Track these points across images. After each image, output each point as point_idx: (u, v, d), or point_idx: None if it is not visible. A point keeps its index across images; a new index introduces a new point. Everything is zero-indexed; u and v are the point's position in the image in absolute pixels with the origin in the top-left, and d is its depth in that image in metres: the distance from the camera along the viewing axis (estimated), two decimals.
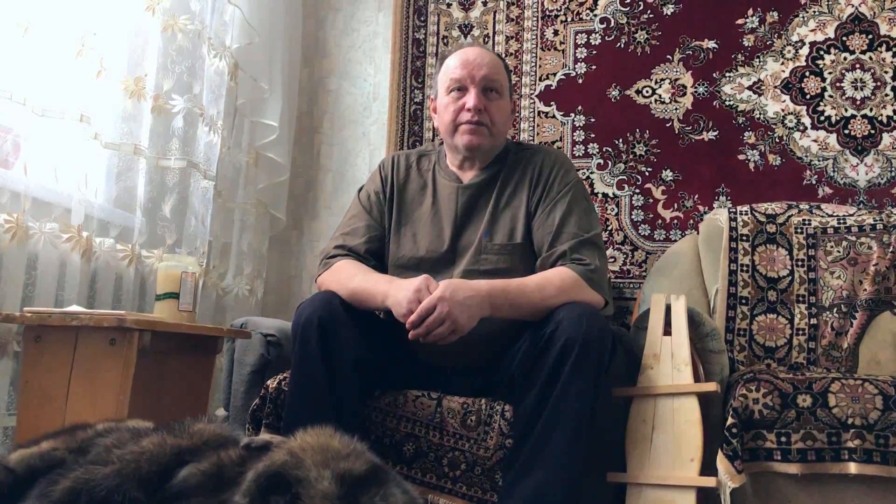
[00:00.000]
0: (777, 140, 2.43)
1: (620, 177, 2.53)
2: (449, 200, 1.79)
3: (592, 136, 2.58)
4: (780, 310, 2.08)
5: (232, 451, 1.05)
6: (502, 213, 1.76)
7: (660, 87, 2.54)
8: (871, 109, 2.36)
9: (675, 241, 2.39)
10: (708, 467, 1.55)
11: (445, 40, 2.76)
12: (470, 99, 1.74)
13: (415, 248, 1.76)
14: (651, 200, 2.50)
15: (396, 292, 1.55)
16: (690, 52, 2.53)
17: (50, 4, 1.77)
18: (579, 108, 2.60)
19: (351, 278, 1.67)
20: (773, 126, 2.44)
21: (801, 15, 2.46)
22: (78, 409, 1.52)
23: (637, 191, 2.51)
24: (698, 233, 2.28)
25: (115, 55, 1.99)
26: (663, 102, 2.53)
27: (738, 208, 2.24)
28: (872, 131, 2.35)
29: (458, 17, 2.76)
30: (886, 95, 2.35)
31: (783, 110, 2.43)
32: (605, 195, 2.54)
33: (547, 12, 2.69)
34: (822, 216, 2.16)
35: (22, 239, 1.67)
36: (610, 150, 2.56)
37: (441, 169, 1.85)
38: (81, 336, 1.55)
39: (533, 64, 2.67)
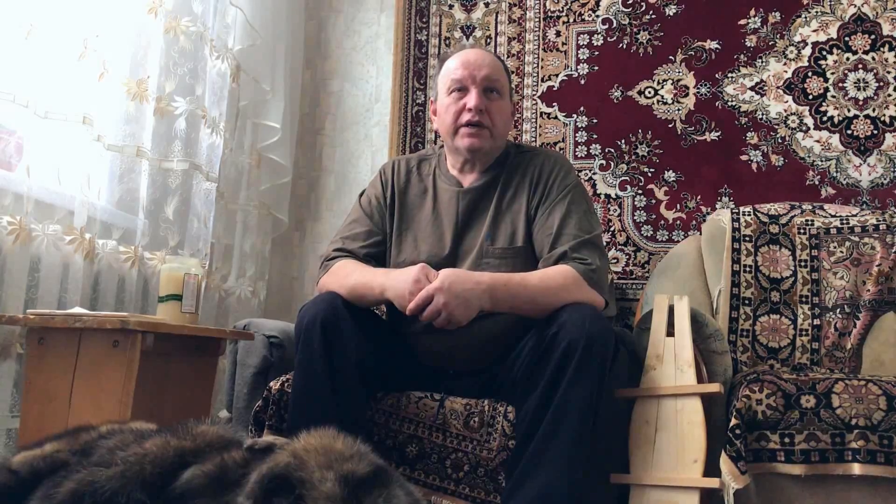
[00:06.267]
0: (780, 140, 2.42)
1: (623, 178, 2.53)
2: (450, 205, 1.79)
3: (595, 137, 2.58)
4: (783, 310, 2.08)
5: (235, 452, 1.05)
6: (503, 217, 1.75)
7: (662, 87, 2.54)
8: (873, 110, 2.36)
9: (678, 241, 2.39)
10: (711, 468, 1.55)
11: (447, 41, 2.76)
12: (471, 99, 1.74)
13: (416, 252, 1.76)
14: (654, 201, 2.50)
15: (395, 284, 1.56)
16: (693, 53, 2.53)
17: (52, 7, 1.77)
18: (581, 108, 2.60)
19: (349, 275, 1.67)
20: (776, 126, 2.43)
21: (803, 15, 2.46)
22: (81, 410, 1.52)
23: (639, 192, 2.51)
24: (701, 234, 2.28)
25: (117, 57, 2.00)
26: (666, 103, 2.53)
27: (741, 209, 2.24)
28: (875, 131, 2.35)
29: (459, 18, 2.76)
30: (889, 96, 2.35)
31: (786, 111, 2.43)
32: (607, 196, 2.54)
33: (549, 13, 2.69)
34: (825, 217, 2.16)
35: (25, 241, 1.67)
36: (612, 150, 2.55)
37: (441, 173, 1.85)
38: (84, 338, 1.56)
39: (535, 65, 2.67)
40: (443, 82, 1.80)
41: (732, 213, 2.22)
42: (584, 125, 2.59)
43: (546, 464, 1.40)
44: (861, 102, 2.37)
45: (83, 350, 1.55)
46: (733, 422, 1.56)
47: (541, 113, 2.64)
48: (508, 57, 2.68)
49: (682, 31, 2.55)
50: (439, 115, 1.82)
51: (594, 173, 2.55)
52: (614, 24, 2.61)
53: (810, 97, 2.42)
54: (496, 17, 2.74)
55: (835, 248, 2.10)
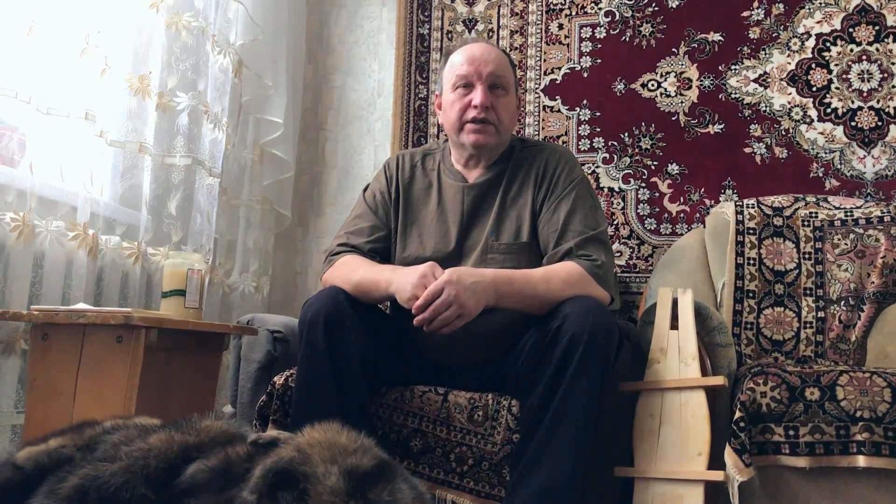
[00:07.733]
0: (783, 133, 2.42)
1: (626, 171, 2.53)
2: (454, 200, 1.78)
3: (598, 130, 2.57)
4: (787, 303, 2.07)
5: (239, 447, 1.05)
6: (508, 212, 1.75)
7: (665, 80, 2.53)
8: (878, 101, 2.35)
9: (682, 234, 2.39)
10: (716, 461, 1.55)
11: (450, 35, 2.75)
12: (476, 96, 1.73)
13: (421, 248, 1.76)
14: (657, 194, 2.49)
15: (401, 278, 1.56)
16: (696, 45, 2.52)
17: (54, 3, 1.77)
18: (584, 102, 2.60)
19: (354, 271, 1.67)
20: (780, 119, 2.43)
21: (807, 7, 2.45)
22: (85, 406, 1.52)
23: (643, 185, 2.50)
24: (705, 226, 2.27)
25: (119, 53, 1.99)
26: (669, 96, 2.52)
27: (745, 201, 2.23)
28: (879, 123, 2.34)
29: (462, 11, 2.75)
30: (893, 87, 2.34)
31: (789, 103, 2.42)
32: (610, 189, 2.53)
33: (551, 6, 2.68)
34: (829, 209, 2.15)
35: (28, 237, 1.67)
36: (615, 144, 2.55)
37: (446, 168, 1.84)
38: (88, 334, 1.56)
39: (538, 58, 2.66)
40: (448, 77, 1.79)
41: (736, 205, 2.22)
42: (587, 118, 2.59)
43: (550, 457, 1.40)
44: (865, 94, 2.36)
45: (87, 346, 1.55)
46: (737, 414, 1.56)
47: (543, 106, 2.63)
48: (511, 50, 2.67)
49: (685, 24, 2.54)
50: (444, 111, 1.81)
51: (597, 167, 2.55)
52: (617, 17, 2.60)
53: (814, 89, 2.41)
54: (498, 10, 2.73)
55: (839, 240, 2.10)
